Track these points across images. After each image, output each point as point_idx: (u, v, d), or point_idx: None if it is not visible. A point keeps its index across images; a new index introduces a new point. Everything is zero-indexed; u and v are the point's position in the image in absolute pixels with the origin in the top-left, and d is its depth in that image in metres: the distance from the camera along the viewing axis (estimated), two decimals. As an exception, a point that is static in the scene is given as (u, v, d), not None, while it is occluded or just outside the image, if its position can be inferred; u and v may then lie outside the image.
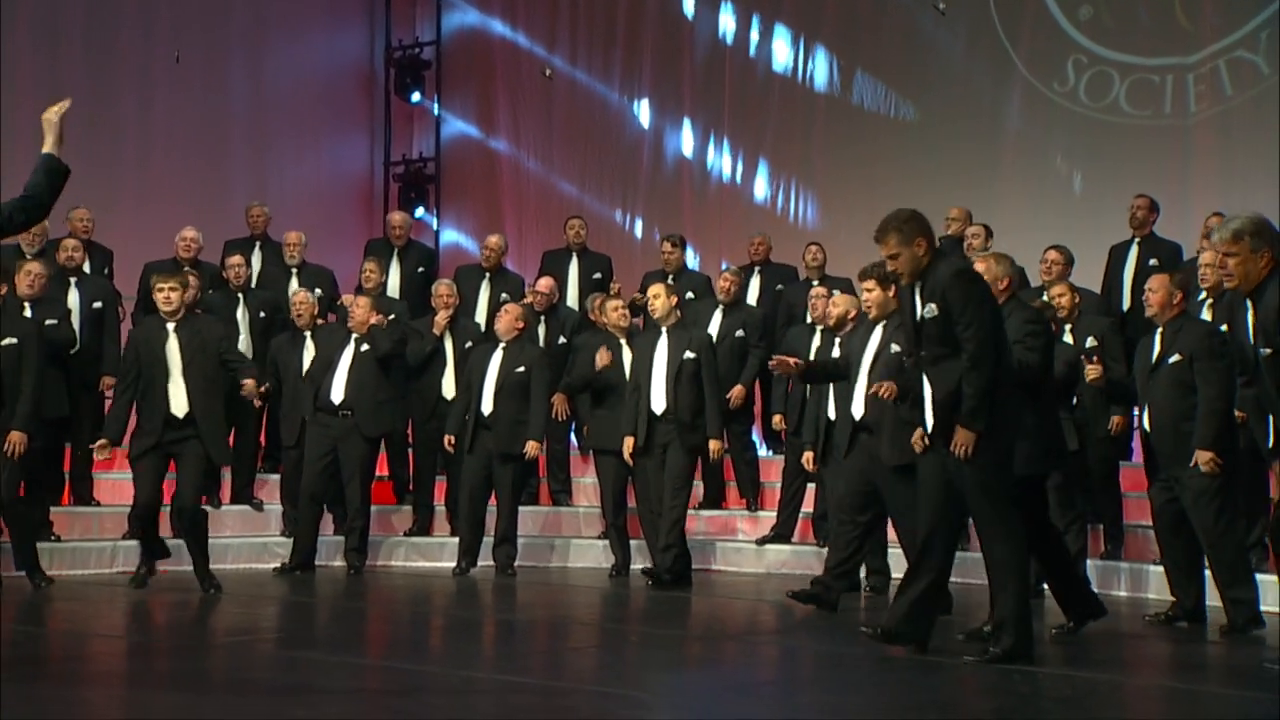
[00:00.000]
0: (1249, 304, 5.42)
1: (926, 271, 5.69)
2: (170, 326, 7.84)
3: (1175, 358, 6.83)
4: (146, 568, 8.03)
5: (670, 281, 9.59)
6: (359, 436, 9.06)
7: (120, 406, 7.92)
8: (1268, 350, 5.24)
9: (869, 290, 7.26)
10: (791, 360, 7.49)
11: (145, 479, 7.75)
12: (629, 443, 8.56)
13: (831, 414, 7.71)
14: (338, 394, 9.07)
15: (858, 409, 7.31)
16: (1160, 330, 6.96)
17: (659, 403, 8.50)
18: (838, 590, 7.40)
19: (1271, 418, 5.55)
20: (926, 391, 5.78)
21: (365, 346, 9.14)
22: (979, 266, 6.45)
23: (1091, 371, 7.40)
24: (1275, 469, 5.47)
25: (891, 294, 6.94)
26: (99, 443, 7.84)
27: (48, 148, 5.44)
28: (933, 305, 5.63)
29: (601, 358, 8.99)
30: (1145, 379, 6.98)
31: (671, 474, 8.45)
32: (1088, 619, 6.58)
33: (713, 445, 8.60)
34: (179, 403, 7.73)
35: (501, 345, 9.18)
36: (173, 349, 7.79)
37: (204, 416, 7.75)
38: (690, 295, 10.21)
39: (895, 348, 7.03)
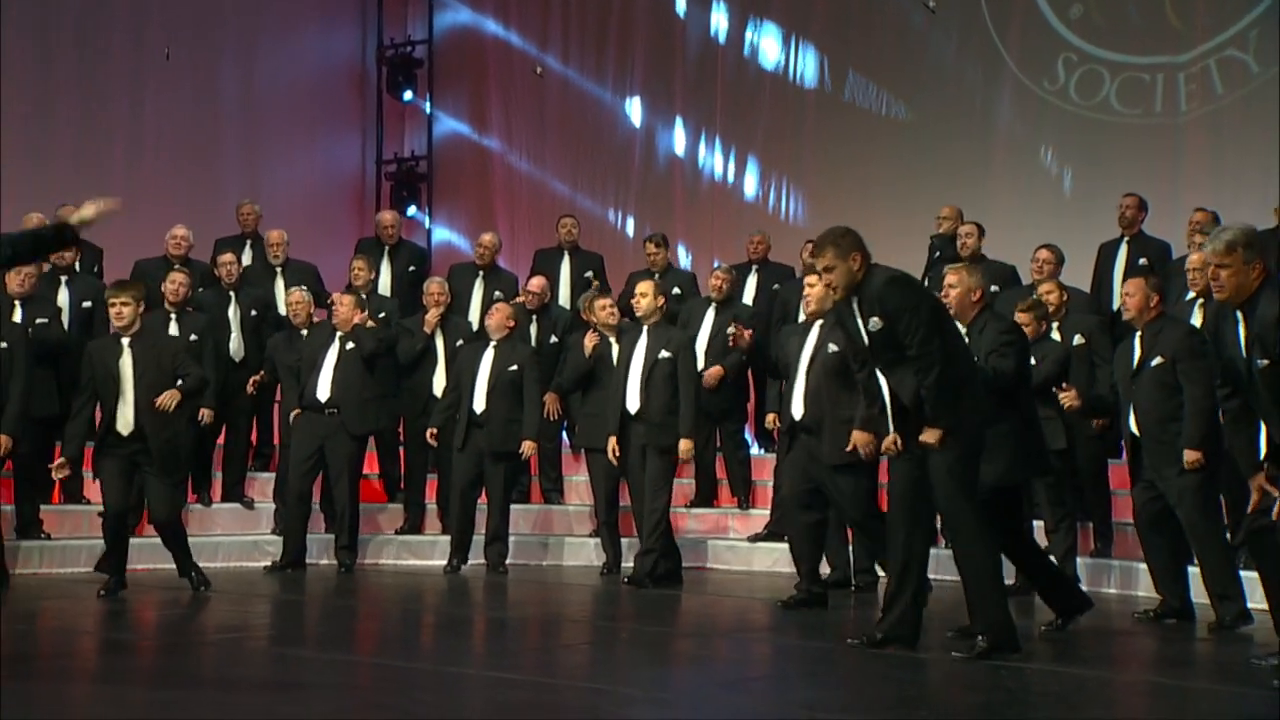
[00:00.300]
0: (1239, 315, 5.36)
1: (861, 285, 5.81)
2: (125, 342, 7.64)
3: (1157, 360, 6.86)
4: (116, 579, 7.67)
5: (657, 280, 9.58)
6: (345, 435, 9.06)
7: (77, 424, 7.66)
8: (1265, 361, 5.19)
9: (811, 285, 7.38)
10: (746, 333, 7.63)
11: (110, 485, 7.58)
12: (612, 441, 8.55)
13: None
14: (324, 392, 9.07)
15: (797, 409, 7.43)
16: (1139, 333, 6.99)
17: (633, 401, 8.50)
18: (822, 586, 7.50)
19: (1265, 429, 5.52)
20: (888, 396, 5.92)
21: (350, 345, 9.15)
22: (950, 279, 6.51)
23: (1066, 399, 7.41)
24: (1258, 481, 5.43)
25: None
26: (57, 463, 7.64)
27: (74, 219, 5.59)
28: (875, 319, 5.76)
29: (589, 341, 9.00)
30: (1128, 383, 7.01)
31: (649, 477, 8.41)
32: (1075, 613, 6.62)
33: (682, 445, 8.42)
34: (125, 421, 7.54)
35: (492, 344, 9.18)
36: (126, 365, 7.59)
37: (154, 434, 7.54)
38: (676, 291, 10.18)
39: (833, 347, 7.20)
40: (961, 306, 6.37)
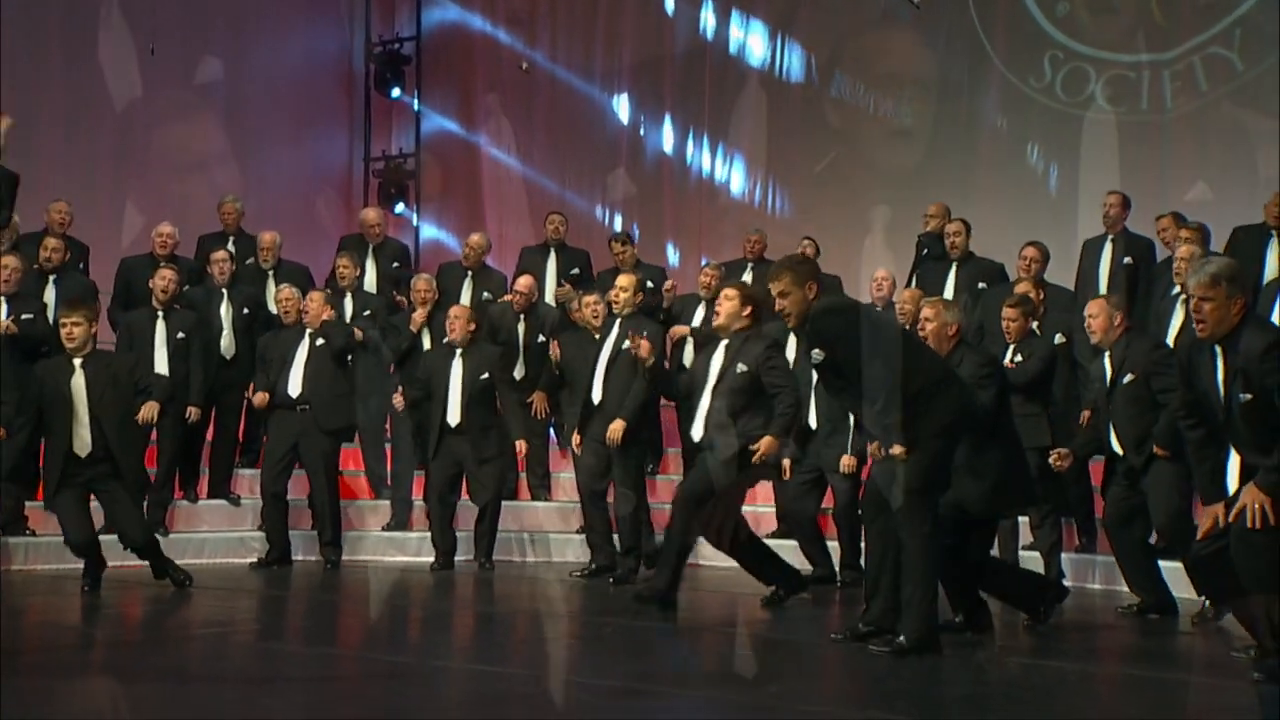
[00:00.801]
0: (1216, 350, 5.31)
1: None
2: (77, 363, 7.48)
3: (1129, 377, 6.97)
4: (90, 580, 7.59)
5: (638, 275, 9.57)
6: (318, 431, 9.04)
7: (14, 444, 7.47)
8: (1248, 395, 5.17)
9: (729, 298, 7.17)
10: (644, 344, 7.44)
11: (69, 517, 7.43)
12: (575, 438, 8.52)
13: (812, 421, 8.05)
14: (294, 388, 9.06)
15: (698, 430, 7.23)
16: (1108, 352, 7.05)
17: (598, 393, 8.44)
18: (796, 576, 7.52)
19: (1238, 459, 5.54)
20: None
21: (320, 341, 9.13)
22: (927, 312, 6.54)
23: (1055, 459, 7.38)
24: (1216, 509, 5.42)
25: (746, 312, 7.02)
26: None
27: None
28: (817, 350, 5.79)
29: (554, 354, 9.04)
30: (1104, 401, 7.06)
31: (618, 477, 8.37)
32: (1054, 605, 6.64)
33: (612, 425, 8.18)
34: (81, 443, 7.39)
35: (459, 351, 9.05)
36: (78, 386, 7.42)
37: (122, 452, 7.45)
38: (649, 284, 10.15)
39: (742, 366, 7.00)
40: (938, 340, 6.42)
